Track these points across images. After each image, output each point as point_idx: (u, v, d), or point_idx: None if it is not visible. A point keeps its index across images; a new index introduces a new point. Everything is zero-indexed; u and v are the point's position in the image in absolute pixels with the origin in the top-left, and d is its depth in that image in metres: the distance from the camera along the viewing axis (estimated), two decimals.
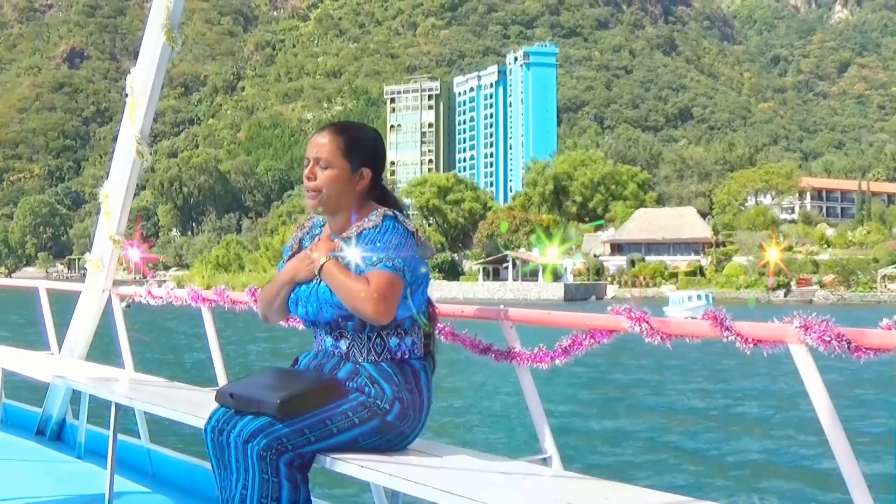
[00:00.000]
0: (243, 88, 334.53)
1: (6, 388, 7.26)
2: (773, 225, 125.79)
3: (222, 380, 5.76)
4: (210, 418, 3.80)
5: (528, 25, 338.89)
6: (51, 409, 7.49)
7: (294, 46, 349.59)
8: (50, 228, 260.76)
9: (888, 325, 3.03)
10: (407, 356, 3.88)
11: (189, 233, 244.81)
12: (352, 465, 3.65)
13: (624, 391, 33.96)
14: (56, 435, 7.50)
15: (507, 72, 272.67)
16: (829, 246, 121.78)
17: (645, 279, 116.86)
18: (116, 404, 5.37)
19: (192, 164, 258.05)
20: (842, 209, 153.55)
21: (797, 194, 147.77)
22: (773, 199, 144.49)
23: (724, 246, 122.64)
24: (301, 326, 4.67)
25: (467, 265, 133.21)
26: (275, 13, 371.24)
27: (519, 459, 4.14)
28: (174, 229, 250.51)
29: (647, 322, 3.64)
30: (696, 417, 28.16)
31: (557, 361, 4.12)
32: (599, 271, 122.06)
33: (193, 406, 4.78)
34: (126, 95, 6.59)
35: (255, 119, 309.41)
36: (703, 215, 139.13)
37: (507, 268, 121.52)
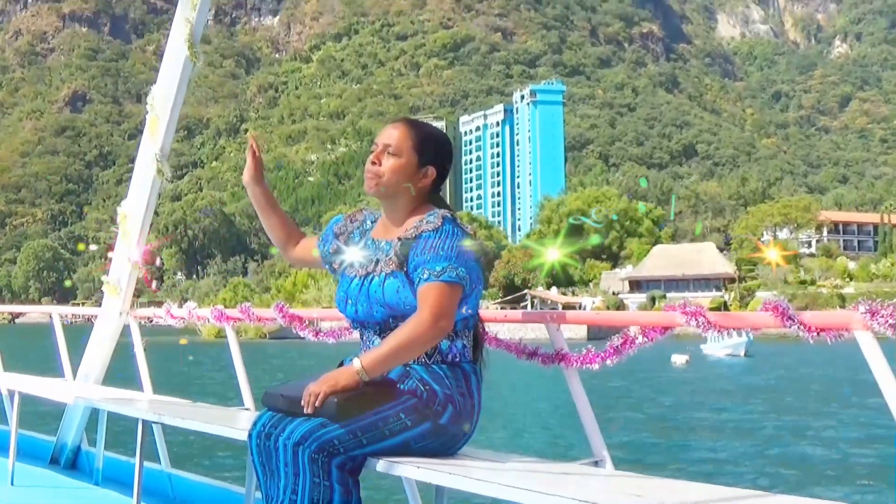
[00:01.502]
0: (246, 130, 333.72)
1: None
2: (795, 259, 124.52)
3: (248, 400, 5.71)
4: (255, 423, 3.78)
5: (531, 65, 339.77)
6: (65, 437, 7.45)
7: (297, 88, 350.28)
8: (53, 273, 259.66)
9: None
10: (458, 359, 3.79)
11: (194, 276, 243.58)
12: (407, 467, 3.60)
13: (672, 403, 34.92)
14: (71, 463, 7.45)
15: (514, 110, 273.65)
16: (851, 279, 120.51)
17: None
18: (143, 421, 5.25)
19: (197, 206, 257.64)
20: (859, 242, 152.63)
21: (815, 228, 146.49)
22: (791, 233, 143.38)
23: (746, 281, 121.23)
24: (331, 341, 5.17)
25: (484, 304, 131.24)
26: (277, 55, 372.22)
27: (571, 462, 4.09)
28: (179, 273, 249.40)
29: (704, 315, 3.57)
30: (749, 424, 28.49)
31: (608, 362, 4.00)
32: (619, 308, 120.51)
33: (224, 419, 4.83)
34: (147, 113, 6.50)
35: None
36: (720, 250, 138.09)
37: (525, 306, 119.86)
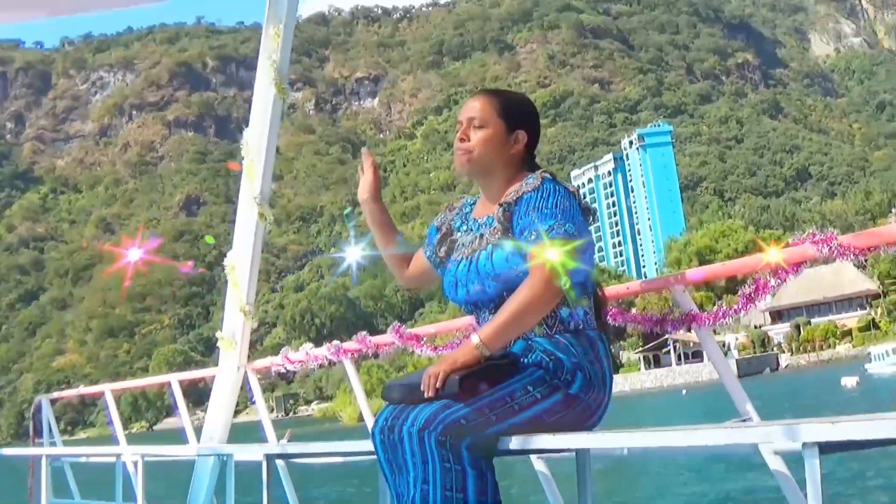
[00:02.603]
0: (360, 213, 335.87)
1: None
2: None
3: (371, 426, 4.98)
4: (377, 420, 3.59)
5: (633, 111, 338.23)
6: (196, 499, 7.30)
7: (405, 165, 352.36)
8: None
9: None
10: (581, 326, 3.59)
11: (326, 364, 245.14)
12: (543, 437, 3.37)
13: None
14: None
15: (624, 157, 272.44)
16: None
17: (818, 342, 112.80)
18: (267, 456, 5.19)
19: (321, 294, 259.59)
20: None
21: None
22: None
23: (889, 294, 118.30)
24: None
25: (625, 356, 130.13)
26: (381, 136, 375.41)
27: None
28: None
29: (835, 239, 3.46)
30: None
31: (742, 314, 3.92)
32: (765, 342, 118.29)
33: (350, 439, 4.79)
34: (242, 160, 6.44)
35: None
36: (857, 267, 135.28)
37: (667, 352, 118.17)
